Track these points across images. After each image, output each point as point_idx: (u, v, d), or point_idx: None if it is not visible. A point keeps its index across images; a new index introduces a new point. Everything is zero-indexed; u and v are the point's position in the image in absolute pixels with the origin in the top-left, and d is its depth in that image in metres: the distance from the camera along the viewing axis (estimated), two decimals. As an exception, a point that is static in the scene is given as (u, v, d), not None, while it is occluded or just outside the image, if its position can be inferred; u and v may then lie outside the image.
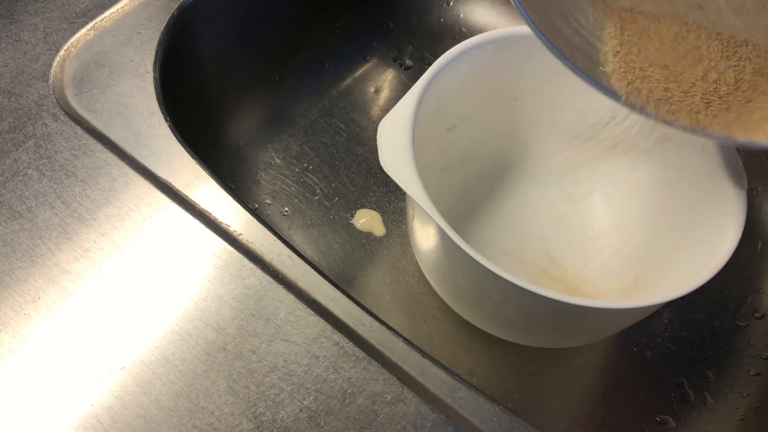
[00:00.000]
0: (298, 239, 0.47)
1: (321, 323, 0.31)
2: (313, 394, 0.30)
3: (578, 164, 0.45)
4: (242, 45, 0.50)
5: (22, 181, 0.35)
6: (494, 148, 0.46)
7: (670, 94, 0.26)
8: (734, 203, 0.32)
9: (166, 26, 0.43)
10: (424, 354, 0.31)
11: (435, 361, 0.31)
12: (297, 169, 0.50)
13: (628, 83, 0.27)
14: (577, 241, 0.44)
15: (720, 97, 0.27)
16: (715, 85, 0.27)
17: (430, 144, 0.39)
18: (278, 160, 0.51)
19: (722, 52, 0.28)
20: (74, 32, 0.42)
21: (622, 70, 0.27)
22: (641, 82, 0.27)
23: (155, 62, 0.41)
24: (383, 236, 0.47)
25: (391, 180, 0.31)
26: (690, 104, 0.26)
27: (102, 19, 0.43)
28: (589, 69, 0.27)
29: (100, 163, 0.36)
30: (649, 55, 0.27)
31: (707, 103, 0.26)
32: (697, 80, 0.27)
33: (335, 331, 0.31)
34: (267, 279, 0.33)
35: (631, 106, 0.27)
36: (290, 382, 0.30)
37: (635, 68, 0.27)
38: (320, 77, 0.55)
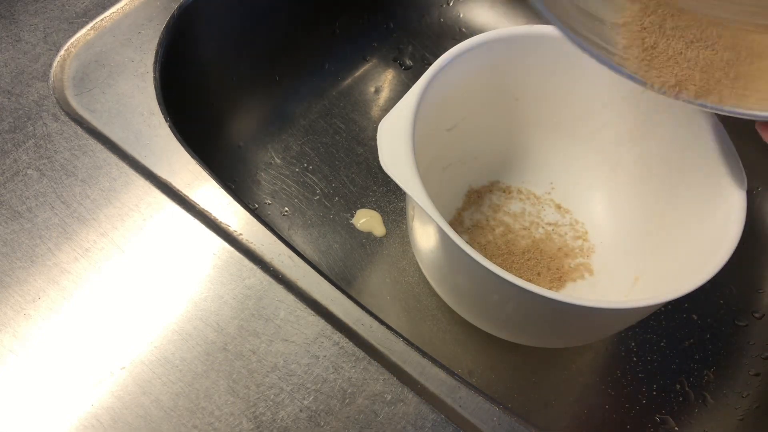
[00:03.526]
0: (298, 239, 0.47)
1: (321, 323, 0.31)
2: (313, 394, 0.30)
3: (578, 164, 0.45)
4: (242, 45, 0.50)
5: (22, 181, 0.35)
6: (494, 148, 0.46)
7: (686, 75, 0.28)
8: (734, 203, 0.32)
9: (166, 26, 0.43)
10: (424, 354, 0.31)
11: (435, 361, 0.31)
12: (297, 169, 0.50)
13: (649, 68, 0.28)
14: (577, 242, 0.44)
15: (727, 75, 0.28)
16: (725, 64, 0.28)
17: (430, 144, 0.39)
18: (278, 160, 0.51)
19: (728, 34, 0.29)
20: (74, 32, 0.42)
21: (643, 56, 0.29)
22: (662, 66, 0.28)
23: (155, 62, 0.41)
24: (383, 236, 0.47)
25: (391, 180, 0.31)
26: (708, 82, 0.28)
27: (102, 19, 0.43)
28: (609, 56, 0.28)
29: (100, 163, 0.36)
30: (668, 41, 0.29)
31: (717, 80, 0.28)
32: (709, 60, 0.28)
33: (335, 331, 0.31)
34: (267, 279, 0.33)
35: (654, 89, 0.28)
36: (290, 382, 0.30)
37: (656, 55, 0.28)
38: (320, 77, 0.55)
